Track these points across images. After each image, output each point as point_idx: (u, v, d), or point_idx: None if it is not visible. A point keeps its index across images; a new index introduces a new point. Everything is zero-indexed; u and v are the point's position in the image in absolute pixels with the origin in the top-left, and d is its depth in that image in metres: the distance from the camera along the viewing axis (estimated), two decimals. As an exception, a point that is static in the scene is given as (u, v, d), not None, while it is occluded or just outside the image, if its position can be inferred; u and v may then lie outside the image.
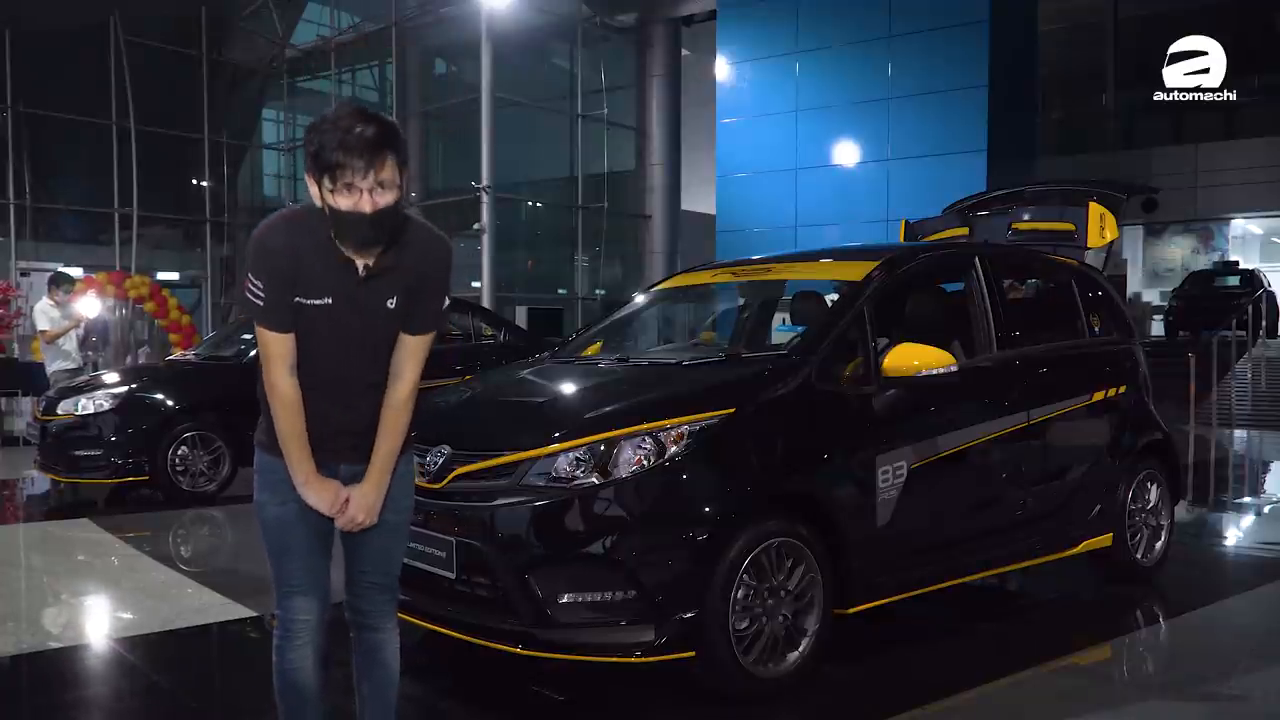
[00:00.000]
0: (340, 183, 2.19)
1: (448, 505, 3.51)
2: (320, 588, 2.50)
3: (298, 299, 2.33)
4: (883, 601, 3.87)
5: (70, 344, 9.34)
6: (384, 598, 2.57)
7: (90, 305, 11.43)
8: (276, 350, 2.37)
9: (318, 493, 2.42)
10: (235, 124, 22.00)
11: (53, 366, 9.18)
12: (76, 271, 16.34)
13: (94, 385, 7.93)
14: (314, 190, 2.28)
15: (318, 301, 2.32)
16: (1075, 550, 4.75)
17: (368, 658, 2.59)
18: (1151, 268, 24.74)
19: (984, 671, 3.85)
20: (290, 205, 2.52)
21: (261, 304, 2.32)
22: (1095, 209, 5.30)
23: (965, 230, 5.73)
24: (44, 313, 9.17)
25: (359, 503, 2.44)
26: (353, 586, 2.57)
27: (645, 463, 3.35)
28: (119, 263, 18.00)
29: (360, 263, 2.33)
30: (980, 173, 14.64)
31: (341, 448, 2.47)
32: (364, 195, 2.20)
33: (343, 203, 2.21)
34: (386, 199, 2.23)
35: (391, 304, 2.39)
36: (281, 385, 2.38)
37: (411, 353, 2.46)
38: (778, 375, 3.80)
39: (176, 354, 11.18)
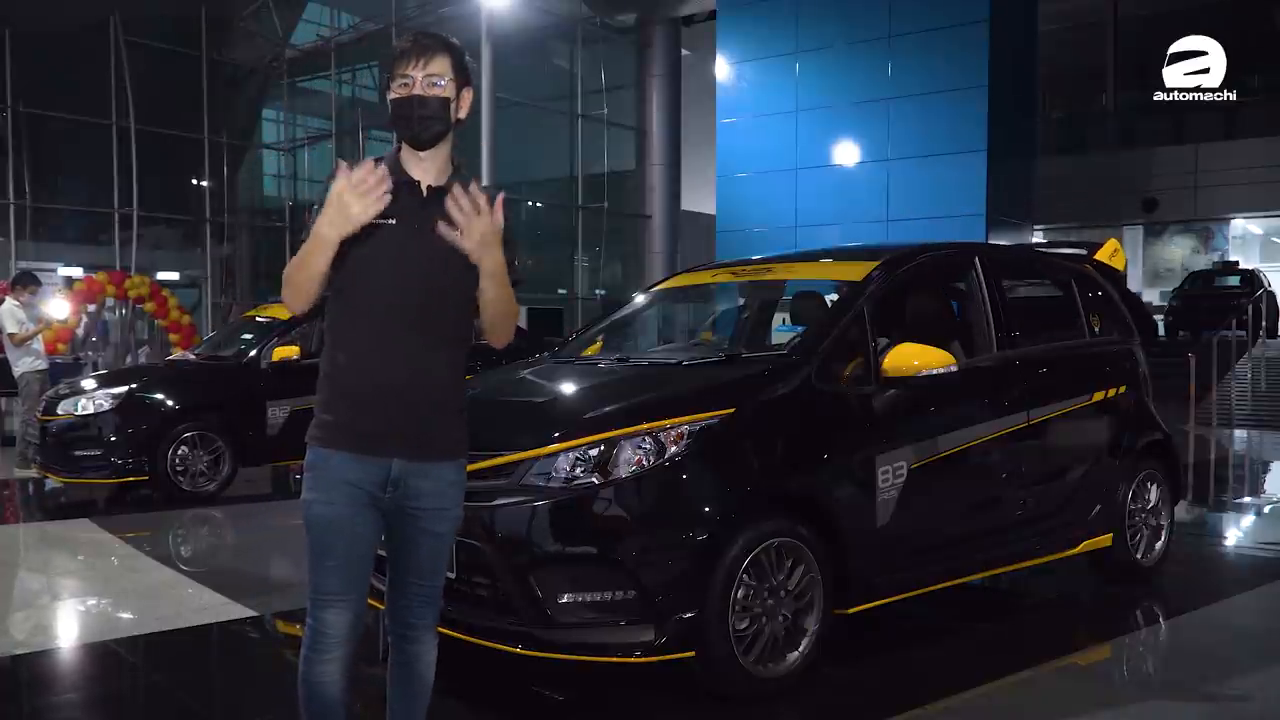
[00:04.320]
0: (398, 74, 2.35)
1: (448, 505, 3.50)
2: (358, 599, 2.39)
3: None
4: (883, 601, 3.87)
5: (39, 343, 9.21)
6: (430, 609, 2.50)
7: (59, 307, 11.32)
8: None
9: (340, 192, 2.21)
10: (235, 124, 22.03)
11: (20, 368, 9.00)
12: (77, 271, 16.35)
13: (93, 385, 7.93)
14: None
15: (381, 220, 2.27)
16: (1075, 550, 4.75)
17: (405, 668, 2.52)
18: (1151, 268, 24.75)
19: (984, 671, 3.84)
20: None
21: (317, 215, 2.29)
22: (1111, 244, 5.45)
23: None
24: (10, 314, 8.89)
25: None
26: (399, 598, 2.48)
27: (645, 463, 3.35)
28: (119, 263, 18.01)
29: (424, 184, 2.38)
30: (980, 173, 14.67)
31: (395, 428, 2.32)
32: (416, 83, 2.34)
33: (398, 93, 2.35)
34: (436, 93, 2.35)
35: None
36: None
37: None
38: (778, 375, 3.80)
39: (176, 354, 11.17)
